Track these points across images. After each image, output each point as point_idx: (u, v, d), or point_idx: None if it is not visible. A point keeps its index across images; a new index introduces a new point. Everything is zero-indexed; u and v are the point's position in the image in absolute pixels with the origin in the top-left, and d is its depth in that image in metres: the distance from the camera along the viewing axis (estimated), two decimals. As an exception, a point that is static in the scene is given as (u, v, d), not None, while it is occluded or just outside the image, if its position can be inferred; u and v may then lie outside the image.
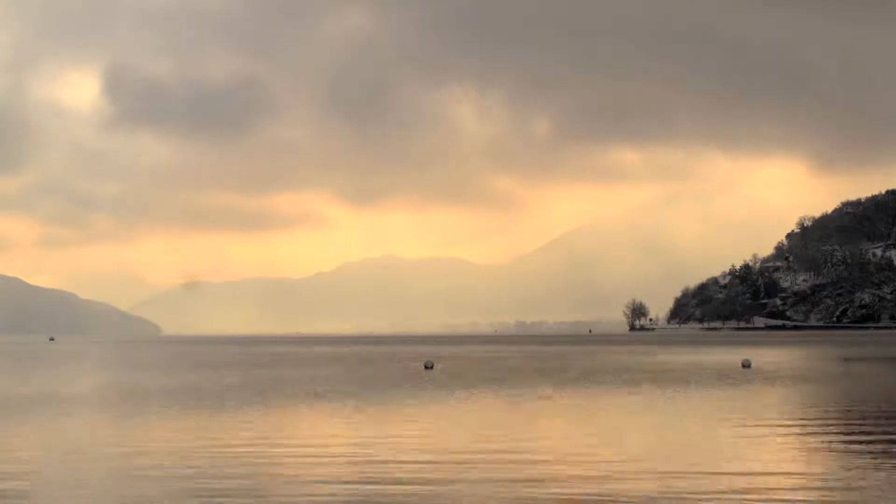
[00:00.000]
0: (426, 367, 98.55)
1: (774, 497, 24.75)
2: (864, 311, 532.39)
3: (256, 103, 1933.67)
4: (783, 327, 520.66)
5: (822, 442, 35.82)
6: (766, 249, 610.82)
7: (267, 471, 29.65)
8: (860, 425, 42.44)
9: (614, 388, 67.99)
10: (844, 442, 35.69)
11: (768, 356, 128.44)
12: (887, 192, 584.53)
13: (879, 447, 34.23)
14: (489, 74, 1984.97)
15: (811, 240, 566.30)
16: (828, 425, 41.53)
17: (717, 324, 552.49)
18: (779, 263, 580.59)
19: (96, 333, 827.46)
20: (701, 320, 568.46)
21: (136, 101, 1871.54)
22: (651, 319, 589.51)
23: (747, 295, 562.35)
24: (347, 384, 74.76)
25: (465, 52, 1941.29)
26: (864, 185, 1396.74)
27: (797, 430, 39.92)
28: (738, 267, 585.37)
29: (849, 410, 49.84)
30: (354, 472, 29.09)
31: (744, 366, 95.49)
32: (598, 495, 25.04)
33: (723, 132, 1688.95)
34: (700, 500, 24.30)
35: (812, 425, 41.48)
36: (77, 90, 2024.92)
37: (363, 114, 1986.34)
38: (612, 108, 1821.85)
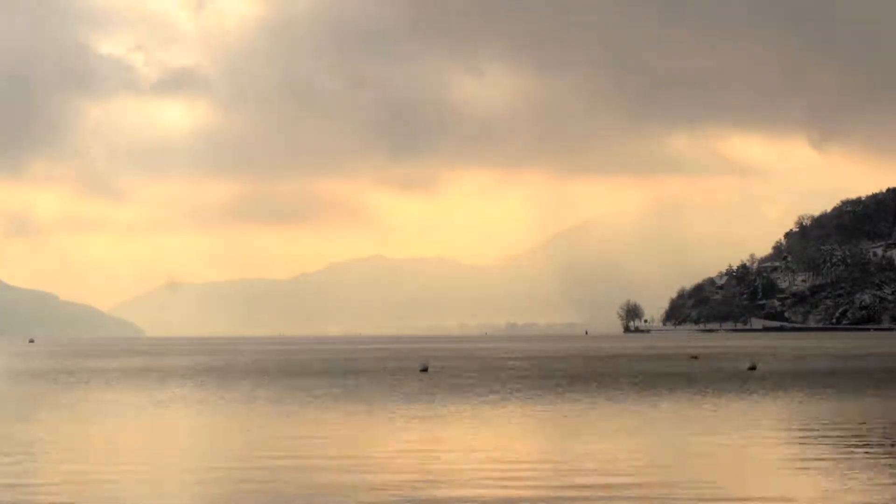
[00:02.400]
0: (421, 370, 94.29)
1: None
2: (864, 312, 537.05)
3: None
4: (782, 329, 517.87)
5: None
6: (764, 249, 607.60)
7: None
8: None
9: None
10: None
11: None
12: (888, 190, 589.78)
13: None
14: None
15: (810, 239, 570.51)
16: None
17: (714, 325, 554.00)
18: (777, 263, 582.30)
19: (76, 335, 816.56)
20: (697, 322, 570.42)
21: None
22: (646, 321, 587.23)
23: (745, 296, 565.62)
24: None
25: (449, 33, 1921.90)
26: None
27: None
28: (735, 267, 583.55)
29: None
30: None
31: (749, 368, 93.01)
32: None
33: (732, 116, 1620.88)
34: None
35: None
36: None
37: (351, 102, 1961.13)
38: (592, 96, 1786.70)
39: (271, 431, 42.72)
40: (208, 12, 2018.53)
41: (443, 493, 25.68)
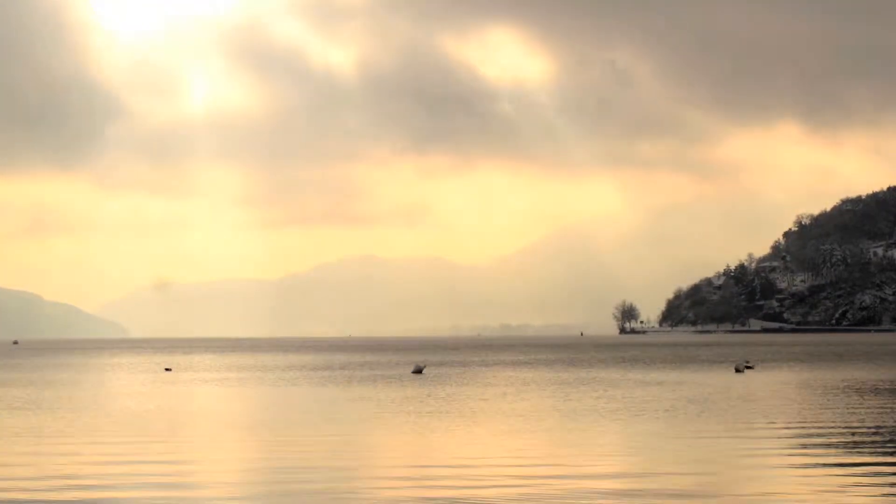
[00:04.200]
0: (415, 372, 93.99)
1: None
2: (864, 312, 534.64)
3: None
4: (781, 330, 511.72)
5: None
6: (763, 248, 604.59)
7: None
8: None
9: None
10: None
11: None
12: (889, 188, 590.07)
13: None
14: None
15: (809, 239, 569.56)
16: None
17: (711, 326, 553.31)
18: (775, 263, 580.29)
19: (61, 336, 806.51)
20: (694, 323, 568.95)
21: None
22: (642, 322, 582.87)
23: (742, 296, 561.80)
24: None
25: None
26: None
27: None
28: (732, 267, 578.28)
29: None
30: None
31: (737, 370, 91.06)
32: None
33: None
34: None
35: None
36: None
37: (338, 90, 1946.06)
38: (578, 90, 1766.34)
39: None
40: None
41: None
